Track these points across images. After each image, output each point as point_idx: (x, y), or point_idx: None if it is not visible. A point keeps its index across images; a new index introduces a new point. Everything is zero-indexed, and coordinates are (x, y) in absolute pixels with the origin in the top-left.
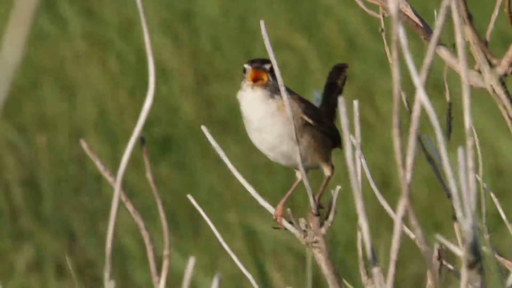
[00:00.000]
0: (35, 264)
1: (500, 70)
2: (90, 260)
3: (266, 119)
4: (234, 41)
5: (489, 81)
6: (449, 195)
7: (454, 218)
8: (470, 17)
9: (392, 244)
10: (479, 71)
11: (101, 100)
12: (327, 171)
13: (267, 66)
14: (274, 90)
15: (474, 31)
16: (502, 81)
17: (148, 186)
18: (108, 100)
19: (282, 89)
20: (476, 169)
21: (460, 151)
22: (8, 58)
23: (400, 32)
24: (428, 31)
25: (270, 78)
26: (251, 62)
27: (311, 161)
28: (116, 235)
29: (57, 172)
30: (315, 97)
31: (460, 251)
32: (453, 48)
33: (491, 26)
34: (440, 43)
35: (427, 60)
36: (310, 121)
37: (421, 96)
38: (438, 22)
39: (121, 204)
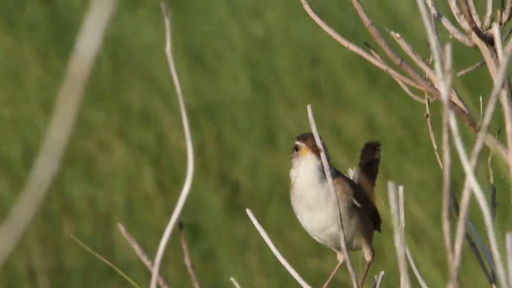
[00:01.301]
0: None
1: None
2: None
3: (321, 197)
4: (258, 126)
5: None
6: (491, 281)
7: None
8: None
9: None
10: None
11: (127, 188)
12: (368, 256)
13: (321, 142)
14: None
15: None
16: None
17: (175, 273)
18: (133, 188)
19: (327, 171)
20: None
21: (508, 237)
22: (56, 139)
23: (451, 117)
24: (472, 117)
25: (324, 151)
26: (303, 138)
27: (356, 244)
28: None
29: (84, 260)
30: (352, 175)
31: None
32: (498, 134)
33: None
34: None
35: (477, 147)
36: (358, 204)
37: (471, 182)
38: (489, 110)
39: None
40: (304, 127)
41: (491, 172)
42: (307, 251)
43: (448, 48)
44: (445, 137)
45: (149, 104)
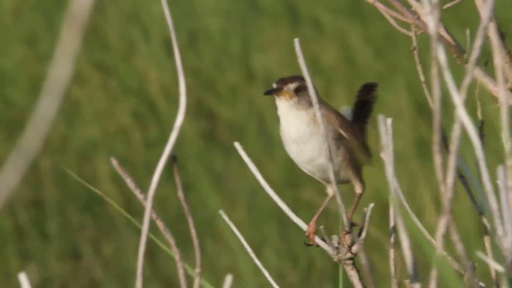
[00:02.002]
0: (40, 284)
1: None
2: (95, 281)
3: (303, 129)
4: (236, 61)
5: None
6: (480, 213)
7: (485, 234)
8: (502, 36)
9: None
10: (511, 90)
11: (104, 122)
12: (358, 188)
13: (292, 86)
14: (306, 104)
15: (506, 50)
16: None
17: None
18: (110, 121)
19: (315, 103)
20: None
21: (500, 169)
22: (59, 74)
23: (439, 50)
24: (460, 50)
25: (294, 95)
26: (278, 81)
27: (343, 175)
28: (124, 255)
29: (62, 193)
30: (345, 113)
31: (501, 268)
32: (484, 66)
33: None
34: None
35: (466, 79)
36: (345, 135)
37: (461, 114)
38: (477, 43)
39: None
40: (284, 60)
41: (479, 104)
42: (285, 182)
43: None
44: (434, 70)
45: (128, 36)
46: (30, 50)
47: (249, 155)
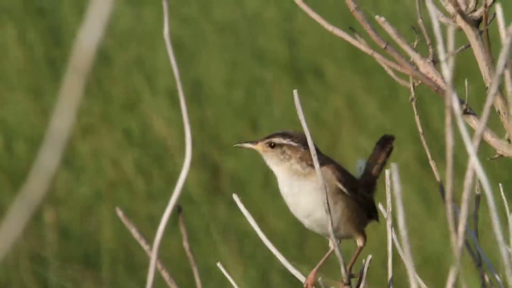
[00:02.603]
0: None
1: None
2: None
3: (296, 186)
4: (240, 113)
5: None
6: (479, 264)
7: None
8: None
9: None
10: (509, 141)
11: (108, 174)
12: (359, 242)
13: (267, 140)
14: (285, 158)
15: (504, 101)
16: None
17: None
18: (115, 173)
19: (314, 156)
20: None
21: (511, 218)
22: (61, 125)
23: (454, 99)
24: (460, 100)
25: (268, 149)
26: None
27: (344, 231)
28: None
29: (65, 247)
30: (359, 165)
31: None
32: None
33: None
34: (470, 112)
35: (479, 129)
36: (344, 189)
37: (474, 164)
38: (492, 91)
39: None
40: (288, 112)
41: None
42: (290, 234)
43: (451, 30)
44: (448, 120)
45: (132, 88)
46: (35, 102)
47: (253, 207)
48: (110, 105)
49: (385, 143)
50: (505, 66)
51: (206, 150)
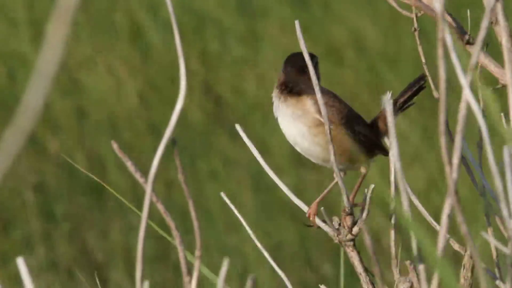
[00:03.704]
0: (46, 266)
1: None
2: (100, 263)
3: (285, 113)
4: (242, 41)
5: None
6: (481, 194)
7: (487, 216)
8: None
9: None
10: None
11: (109, 104)
12: (362, 169)
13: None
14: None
15: (507, 32)
16: None
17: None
18: (116, 103)
19: (317, 88)
20: None
21: (505, 150)
22: (48, 58)
23: (446, 31)
24: (461, 31)
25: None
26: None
27: (342, 160)
28: (131, 239)
29: (68, 177)
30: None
31: (506, 249)
32: (485, 47)
33: None
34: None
35: (473, 60)
36: (324, 121)
37: (467, 95)
38: (484, 24)
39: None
40: (288, 41)
41: (478, 85)
42: (292, 162)
43: None
44: (440, 51)
45: (135, 19)
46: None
47: (256, 136)
48: (112, 35)
49: (415, 82)
50: None
51: (207, 81)
